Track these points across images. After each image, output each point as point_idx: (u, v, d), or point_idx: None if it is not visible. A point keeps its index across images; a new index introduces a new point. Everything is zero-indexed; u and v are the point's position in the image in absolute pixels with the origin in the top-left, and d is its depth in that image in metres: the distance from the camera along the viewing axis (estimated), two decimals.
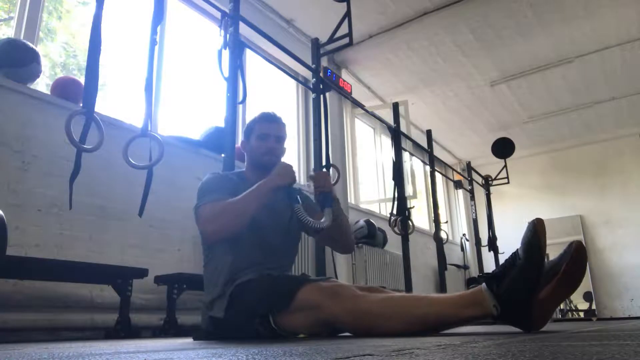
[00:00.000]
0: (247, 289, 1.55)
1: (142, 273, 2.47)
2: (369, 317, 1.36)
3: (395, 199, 4.38)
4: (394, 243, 5.17)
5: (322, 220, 1.64)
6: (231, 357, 0.72)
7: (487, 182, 6.66)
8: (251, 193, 1.59)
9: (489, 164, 7.27)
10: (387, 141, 5.65)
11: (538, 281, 1.21)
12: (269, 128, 1.81)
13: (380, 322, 1.35)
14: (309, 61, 3.66)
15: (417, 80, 5.98)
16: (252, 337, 1.51)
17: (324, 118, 3.46)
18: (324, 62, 4.67)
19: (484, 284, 1.28)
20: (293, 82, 5.04)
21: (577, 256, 1.23)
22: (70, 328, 2.41)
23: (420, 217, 7.01)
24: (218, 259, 1.65)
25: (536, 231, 1.21)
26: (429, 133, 5.70)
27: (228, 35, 2.69)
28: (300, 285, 1.46)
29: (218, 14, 2.75)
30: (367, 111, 4.49)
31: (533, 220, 1.23)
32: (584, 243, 7.10)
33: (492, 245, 6.23)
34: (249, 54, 4.09)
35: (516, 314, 1.23)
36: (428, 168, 5.55)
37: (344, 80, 4.42)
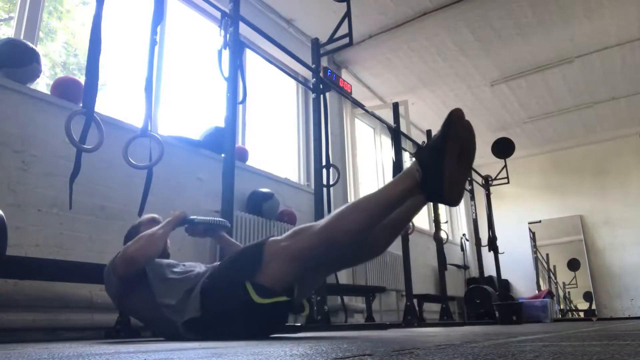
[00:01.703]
0: (216, 276, 1.61)
1: None
2: (327, 228, 1.47)
3: None
4: (394, 243, 5.16)
5: (220, 219, 1.94)
6: (231, 357, 0.72)
7: (487, 182, 6.66)
8: (157, 227, 1.81)
9: (489, 164, 7.27)
10: (387, 141, 5.65)
11: (445, 144, 1.38)
12: (157, 223, 1.95)
13: (337, 226, 1.47)
14: (309, 61, 3.66)
15: (417, 80, 5.98)
16: (235, 323, 1.53)
17: (324, 118, 3.46)
18: (324, 62, 4.67)
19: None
20: (293, 82, 5.04)
21: (453, 121, 1.39)
22: (70, 328, 2.41)
23: (420, 217, 7.00)
24: (144, 285, 1.69)
25: (452, 113, 1.40)
26: (429, 133, 5.70)
27: (228, 35, 2.69)
28: (263, 243, 1.57)
29: (218, 14, 2.75)
30: (367, 111, 4.49)
31: (452, 109, 1.42)
32: (584, 243, 7.09)
33: (492, 245, 6.23)
34: (249, 54, 4.10)
35: (431, 176, 1.39)
36: None
37: (344, 80, 4.42)
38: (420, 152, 1.47)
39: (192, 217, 1.90)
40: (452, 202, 1.43)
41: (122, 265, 1.67)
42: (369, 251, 1.67)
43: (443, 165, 1.38)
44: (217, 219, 1.95)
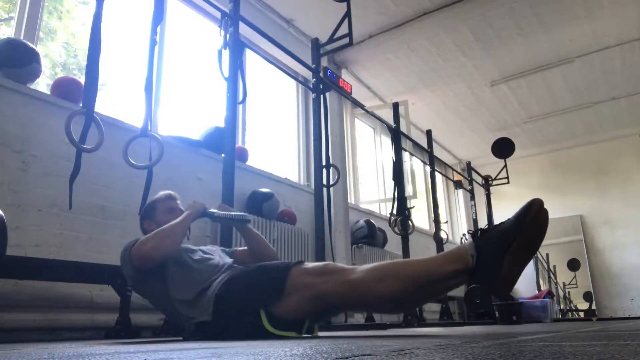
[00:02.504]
0: (233, 286, 1.58)
1: None
2: (361, 285, 1.40)
3: (395, 199, 4.39)
4: (394, 243, 5.17)
5: (241, 213, 1.91)
6: (231, 357, 0.72)
7: (487, 182, 6.66)
8: (176, 220, 1.76)
9: (489, 164, 7.28)
10: (387, 141, 5.65)
11: (516, 237, 1.26)
12: (172, 203, 1.94)
13: (372, 286, 1.39)
14: (309, 61, 3.66)
15: (417, 80, 5.98)
16: (243, 336, 1.52)
17: (324, 118, 3.46)
18: (324, 62, 4.67)
19: (470, 239, 1.35)
20: (293, 82, 5.04)
21: (534, 219, 1.26)
22: (70, 328, 2.40)
23: (420, 217, 7.00)
24: (159, 278, 1.69)
25: (533, 203, 1.28)
26: (429, 133, 5.70)
27: (228, 35, 2.69)
28: (288, 271, 1.50)
29: (218, 14, 2.75)
30: (367, 111, 4.49)
31: (534, 199, 1.29)
32: (584, 243, 7.10)
33: None
34: (249, 54, 4.10)
35: (487, 266, 1.27)
36: (428, 168, 5.56)
37: (344, 80, 4.43)
38: (482, 236, 1.32)
39: (211, 210, 1.87)
40: (500, 296, 1.34)
41: (138, 259, 1.66)
42: (393, 310, 1.63)
43: (505, 259, 1.25)
44: (237, 213, 1.91)
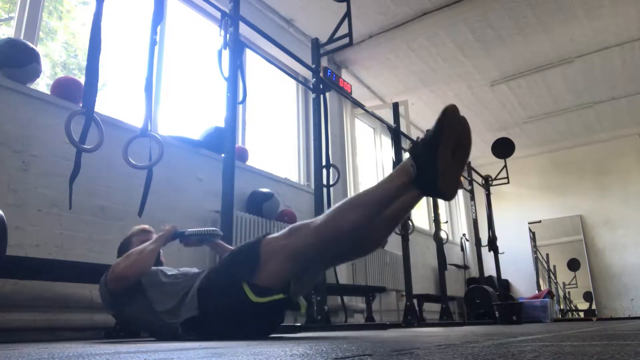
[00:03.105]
0: (213, 275, 1.62)
1: None
2: (325, 226, 1.48)
3: None
4: (394, 243, 5.17)
5: (212, 228, 1.97)
6: (231, 357, 0.72)
7: (487, 182, 6.66)
8: (150, 242, 1.82)
9: (489, 164, 7.27)
10: (387, 141, 5.65)
11: (439, 139, 1.39)
12: (147, 236, 1.97)
13: (335, 223, 1.47)
14: (309, 61, 3.66)
15: (417, 80, 5.98)
16: (232, 321, 1.54)
17: (324, 118, 3.46)
18: (324, 62, 4.67)
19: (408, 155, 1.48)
20: (293, 82, 5.04)
21: (451, 121, 1.42)
22: (70, 328, 2.41)
23: (420, 217, 7.00)
24: (139, 298, 1.72)
25: (446, 109, 1.43)
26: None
27: (228, 35, 2.69)
28: (259, 241, 1.56)
29: (218, 14, 2.75)
30: (367, 111, 4.49)
31: (446, 105, 1.45)
32: (584, 243, 7.09)
33: (492, 245, 6.23)
34: (249, 54, 4.10)
35: (425, 169, 1.40)
36: None
37: (344, 80, 4.42)
38: (414, 147, 1.47)
39: (182, 230, 1.92)
40: (447, 195, 1.45)
41: (112, 281, 1.70)
42: (366, 246, 1.67)
43: (437, 159, 1.39)
44: (208, 228, 1.97)
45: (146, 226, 2.05)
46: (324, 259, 1.63)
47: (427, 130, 1.45)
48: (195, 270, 1.89)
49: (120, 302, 1.76)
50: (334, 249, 1.55)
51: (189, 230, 1.92)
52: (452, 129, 1.42)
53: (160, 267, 1.86)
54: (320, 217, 1.53)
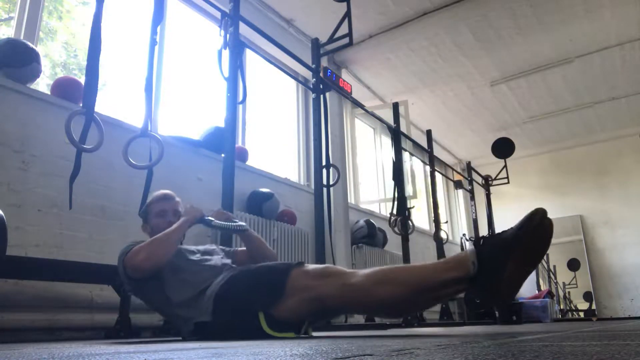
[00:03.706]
0: (233, 287, 1.57)
1: None
2: (360, 288, 1.39)
3: (395, 199, 4.39)
4: (394, 243, 5.17)
5: (240, 222, 1.90)
6: (231, 357, 0.72)
7: (487, 182, 6.67)
8: (171, 228, 1.75)
9: (489, 164, 7.27)
10: (387, 141, 5.65)
11: (518, 246, 1.24)
12: (164, 205, 1.92)
13: (371, 290, 1.38)
14: (309, 61, 3.66)
15: (417, 80, 5.98)
16: (242, 336, 1.52)
17: (324, 118, 3.46)
18: (324, 62, 4.67)
19: (471, 245, 1.33)
20: (293, 82, 5.04)
21: (537, 228, 1.25)
22: (70, 328, 2.40)
23: (420, 217, 7.00)
24: (156, 284, 1.69)
25: (537, 213, 1.25)
26: (429, 133, 5.70)
27: (228, 35, 2.69)
28: (288, 273, 1.49)
29: (218, 14, 2.75)
30: (367, 111, 4.49)
31: (537, 209, 1.26)
32: (584, 243, 7.08)
33: None
34: (249, 54, 4.10)
35: (488, 275, 1.25)
36: (428, 168, 5.56)
37: (344, 80, 4.43)
38: (483, 244, 1.30)
39: (208, 217, 1.85)
40: (500, 305, 1.32)
41: (131, 269, 1.67)
42: (390, 316, 1.63)
43: (506, 267, 1.23)
44: (235, 223, 1.89)
45: (167, 192, 1.97)
46: (346, 312, 1.58)
47: (505, 231, 1.30)
48: (218, 256, 1.84)
49: (138, 284, 1.73)
50: (360, 310, 1.49)
51: (216, 221, 1.84)
52: (535, 237, 1.25)
53: (182, 247, 1.81)
54: (359, 275, 1.42)
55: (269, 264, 1.70)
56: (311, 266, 1.53)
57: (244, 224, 1.92)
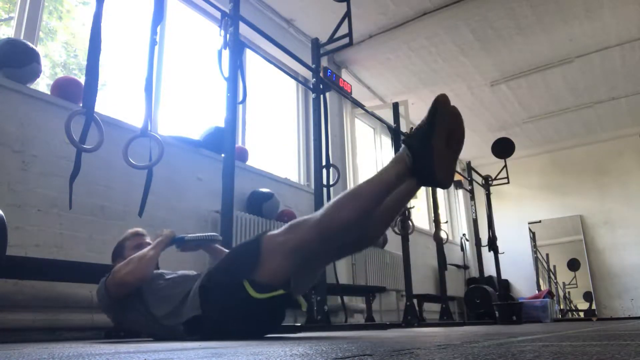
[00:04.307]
0: (213, 273, 1.61)
1: None
2: (325, 221, 1.48)
3: None
4: (394, 243, 5.17)
5: (211, 233, 1.98)
6: (231, 357, 0.72)
7: (487, 182, 6.66)
8: (147, 248, 1.83)
9: (489, 164, 7.27)
10: (387, 141, 5.65)
11: (433, 129, 1.42)
12: (139, 239, 1.97)
13: (335, 217, 1.48)
14: (309, 61, 3.66)
15: (417, 80, 5.98)
16: (235, 319, 1.54)
17: (324, 118, 3.46)
18: (324, 62, 4.67)
19: (403, 145, 1.50)
20: (293, 82, 5.04)
21: (438, 106, 1.43)
22: (70, 328, 2.40)
23: (420, 217, 7.00)
24: (138, 304, 1.73)
25: (437, 99, 1.45)
26: None
27: (228, 35, 2.69)
28: (259, 239, 1.57)
29: (218, 14, 2.75)
30: (367, 111, 4.49)
31: (438, 95, 1.46)
32: (584, 243, 7.09)
33: (492, 245, 6.23)
34: (249, 54, 4.10)
35: (421, 157, 1.42)
36: None
37: (344, 80, 4.43)
38: (408, 137, 1.49)
39: (181, 235, 1.91)
40: (444, 183, 1.47)
41: (113, 287, 1.71)
42: (365, 239, 1.67)
43: (432, 148, 1.41)
44: (208, 234, 1.97)
45: (139, 229, 2.04)
46: (324, 254, 1.63)
47: (420, 121, 1.49)
48: (193, 272, 1.89)
49: (119, 306, 1.76)
50: (334, 242, 1.55)
51: (189, 235, 1.92)
52: (444, 117, 1.44)
53: (158, 271, 1.86)
54: (319, 212, 1.53)
55: (239, 244, 1.78)
56: (276, 230, 1.61)
57: (216, 234, 1.99)
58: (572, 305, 7.96)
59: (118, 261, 1.94)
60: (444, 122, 1.44)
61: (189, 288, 1.68)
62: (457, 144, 1.49)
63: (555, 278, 8.05)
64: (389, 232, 4.89)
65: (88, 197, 2.65)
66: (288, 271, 1.54)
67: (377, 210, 1.52)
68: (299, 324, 2.90)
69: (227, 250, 2.03)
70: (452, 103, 1.49)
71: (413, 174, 1.46)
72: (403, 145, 1.50)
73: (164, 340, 1.74)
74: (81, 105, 1.88)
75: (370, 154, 6.52)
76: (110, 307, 1.78)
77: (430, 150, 1.41)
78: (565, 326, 2.88)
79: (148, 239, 1.99)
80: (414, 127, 1.53)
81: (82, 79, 2.23)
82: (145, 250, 1.80)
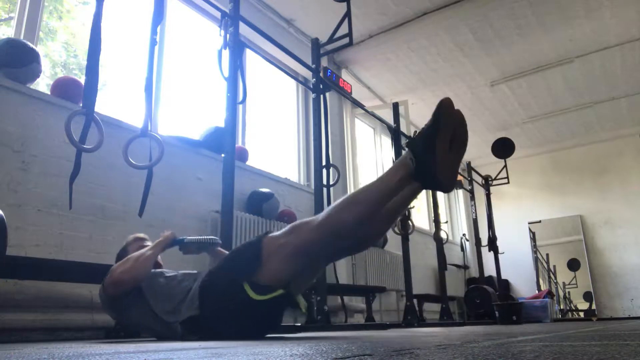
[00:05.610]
0: (214, 274, 1.61)
1: None
2: (327, 222, 1.48)
3: None
4: (394, 243, 5.17)
5: (211, 237, 1.98)
6: (231, 357, 0.72)
7: (487, 182, 6.66)
8: (148, 248, 1.83)
9: (489, 164, 7.28)
10: (387, 141, 5.65)
11: (437, 133, 1.42)
12: (142, 243, 1.99)
13: (337, 218, 1.48)
14: (309, 61, 3.65)
15: (417, 80, 5.98)
16: (234, 320, 1.54)
17: (324, 118, 3.46)
18: (324, 62, 4.67)
19: (406, 149, 1.51)
20: (293, 82, 5.04)
21: (443, 110, 1.44)
22: (70, 328, 2.40)
23: (420, 217, 7.00)
24: (139, 301, 1.73)
25: (441, 103, 1.45)
26: None
27: (228, 35, 2.69)
28: (260, 241, 1.56)
29: (218, 14, 2.75)
30: (367, 111, 4.49)
31: (442, 99, 1.46)
32: (584, 243, 7.09)
33: (492, 245, 6.23)
34: (249, 54, 4.09)
35: (424, 161, 1.42)
36: None
37: (344, 80, 4.42)
38: (412, 141, 1.49)
39: (181, 237, 1.92)
40: (446, 187, 1.47)
41: (111, 286, 1.71)
42: (367, 240, 1.68)
43: (435, 152, 1.41)
44: (208, 237, 1.97)
45: (141, 234, 2.05)
46: (325, 256, 1.63)
47: (424, 124, 1.48)
48: (195, 271, 1.90)
49: (120, 306, 1.76)
50: (336, 245, 1.55)
51: (189, 238, 1.92)
52: (448, 121, 1.44)
53: (160, 270, 1.86)
54: (322, 215, 1.53)
55: (240, 245, 1.77)
56: (277, 231, 1.60)
57: (216, 238, 1.99)
58: (572, 305, 7.96)
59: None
60: (448, 127, 1.44)
61: (190, 286, 1.68)
62: (460, 148, 1.49)
63: (555, 278, 8.05)
64: (389, 232, 4.89)
65: (88, 197, 2.65)
66: (289, 273, 1.54)
67: (379, 213, 1.52)
68: (299, 324, 2.90)
69: (227, 252, 2.04)
70: (447, 97, 1.50)
71: (416, 178, 1.46)
72: (406, 149, 1.50)
73: (164, 338, 1.74)
74: (81, 105, 1.88)
75: (370, 154, 6.52)
76: (111, 306, 1.78)
77: (434, 153, 1.41)
78: (565, 326, 2.88)
79: (149, 243, 1.99)
80: (417, 131, 1.53)
81: (82, 79, 2.23)
82: (143, 250, 1.80)
